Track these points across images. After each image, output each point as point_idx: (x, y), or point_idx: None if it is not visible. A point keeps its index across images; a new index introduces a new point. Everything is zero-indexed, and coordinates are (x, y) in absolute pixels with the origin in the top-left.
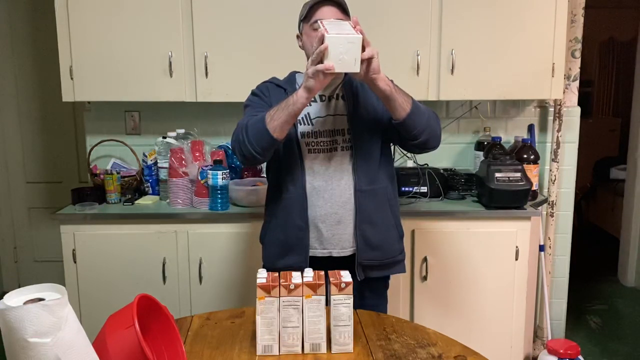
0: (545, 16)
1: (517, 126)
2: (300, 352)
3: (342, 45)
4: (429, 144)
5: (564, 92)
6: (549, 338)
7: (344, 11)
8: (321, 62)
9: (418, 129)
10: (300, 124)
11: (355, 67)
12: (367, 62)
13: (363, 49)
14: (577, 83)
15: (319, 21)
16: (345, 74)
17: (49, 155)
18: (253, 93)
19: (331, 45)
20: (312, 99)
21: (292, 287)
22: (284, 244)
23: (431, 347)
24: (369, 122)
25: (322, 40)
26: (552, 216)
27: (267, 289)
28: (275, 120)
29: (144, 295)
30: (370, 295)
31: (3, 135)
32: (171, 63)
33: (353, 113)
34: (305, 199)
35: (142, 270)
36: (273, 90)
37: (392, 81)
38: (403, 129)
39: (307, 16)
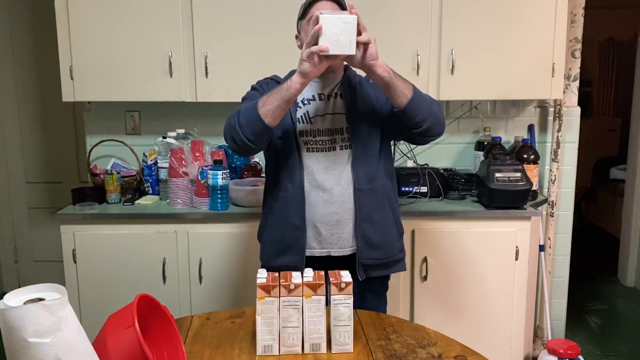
0: (545, 16)
1: (517, 126)
2: (300, 352)
3: (337, 26)
4: (432, 131)
5: (564, 92)
6: (549, 338)
7: (342, 8)
8: (316, 44)
9: (421, 115)
10: (299, 123)
11: (350, 49)
12: (363, 47)
13: (359, 33)
14: (577, 83)
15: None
16: (345, 71)
17: (49, 155)
18: (252, 87)
19: (325, 25)
20: (312, 98)
21: (292, 287)
22: (280, 243)
23: (431, 347)
24: (368, 120)
25: (316, 22)
26: (552, 216)
27: (267, 289)
28: (268, 105)
29: (144, 295)
30: (370, 297)
31: (3, 135)
32: (171, 63)
33: (352, 111)
34: (303, 198)
35: (142, 270)
36: (273, 86)
37: (391, 69)
38: (405, 117)
39: (304, 13)
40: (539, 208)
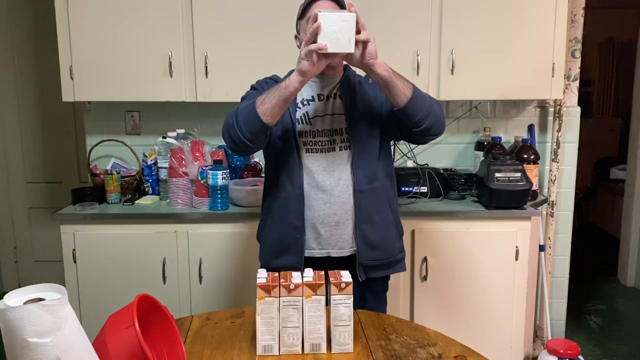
0: (545, 16)
1: (517, 126)
2: (300, 352)
3: (336, 24)
4: (432, 130)
5: (564, 92)
6: (549, 338)
7: (341, 7)
8: (315, 42)
9: (421, 114)
10: (299, 123)
11: (349, 47)
12: (363, 46)
13: (358, 32)
14: (577, 83)
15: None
16: (344, 71)
17: (49, 155)
18: (252, 87)
19: (324, 23)
20: (311, 99)
21: (292, 287)
22: (279, 243)
23: (431, 347)
24: (367, 121)
25: (315, 20)
26: (552, 216)
27: (267, 289)
28: (266, 104)
29: (144, 295)
30: (370, 297)
31: (3, 135)
32: (171, 63)
33: (351, 112)
34: (302, 199)
35: (142, 270)
36: (272, 86)
37: (391, 68)
38: (405, 117)
39: (303, 13)
40: (539, 208)
